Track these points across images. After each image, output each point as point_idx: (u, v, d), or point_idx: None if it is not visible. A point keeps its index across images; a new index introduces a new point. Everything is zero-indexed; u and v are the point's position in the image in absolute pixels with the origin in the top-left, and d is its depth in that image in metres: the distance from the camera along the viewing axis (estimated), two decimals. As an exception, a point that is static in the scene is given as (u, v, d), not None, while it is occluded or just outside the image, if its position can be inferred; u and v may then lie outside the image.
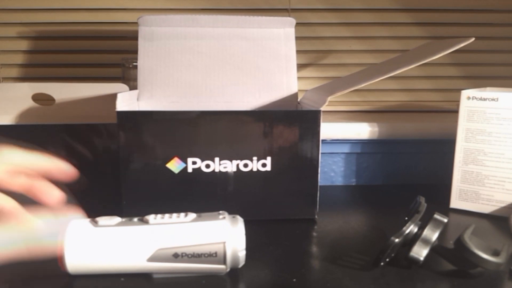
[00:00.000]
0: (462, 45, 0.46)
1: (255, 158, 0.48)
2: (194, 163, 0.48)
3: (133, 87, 0.61)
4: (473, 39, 0.47)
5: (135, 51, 0.70)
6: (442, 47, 0.47)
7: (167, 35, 0.56)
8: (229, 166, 0.48)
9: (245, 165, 0.49)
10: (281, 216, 0.50)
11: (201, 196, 0.49)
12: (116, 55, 0.69)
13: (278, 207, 0.50)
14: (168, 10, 0.69)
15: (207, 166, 0.48)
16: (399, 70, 0.46)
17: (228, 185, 0.49)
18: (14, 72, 0.71)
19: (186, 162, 0.48)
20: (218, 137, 0.48)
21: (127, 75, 0.62)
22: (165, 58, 0.56)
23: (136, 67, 0.61)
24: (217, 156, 0.48)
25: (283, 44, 0.58)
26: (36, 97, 0.53)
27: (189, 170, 0.48)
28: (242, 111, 0.48)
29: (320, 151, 0.49)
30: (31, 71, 0.71)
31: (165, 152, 0.47)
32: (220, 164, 0.48)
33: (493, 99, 0.51)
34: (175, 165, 0.48)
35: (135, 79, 0.61)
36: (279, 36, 0.58)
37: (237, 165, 0.48)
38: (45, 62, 0.71)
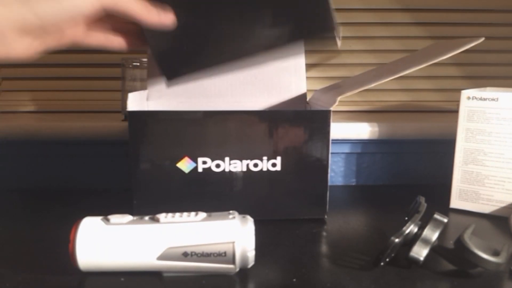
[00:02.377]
0: (472, 45, 0.46)
1: (265, 158, 0.48)
2: (204, 162, 0.48)
3: (132, 87, 0.61)
4: (482, 39, 0.46)
5: (135, 51, 0.70)
6: (451, 47, 0.47)
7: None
8: (239, 166, 0.48)
9: (255, 165, 0.49)
10: (291, 216, 0.50)
11: (211, 195, 0.49)
12: (116, 55, 0.69)
13: (288, 207, 0.50)
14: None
15: (217, 165, 0.48)
16: (408, 70, 0.46)
17: (238, 184, 0.49)
18: (14, 72, 0.71)
19: (196, 162, 0.48)
20: (227, 137, 0.48)
21: (127, 75, 0.62)
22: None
23: (136, 67, 0.61)
24: (227, 156, 0.48)
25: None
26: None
27: (200, 169, 0.48)
28: (251, 111, 0.48)
29: (330, 151, 0.49)
30: (31, 71, 0.71)
31: (175, 151, 0.47)
32: (230, 164, 0.48)
33: (493, 99, 0.51)
34: (185, 165, 0.48)
35: (135, 79, 0.61)
36: None
37: (247, 165, 0.48)
38: (45, 62, 0.71)
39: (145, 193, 0.48)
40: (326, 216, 0.51)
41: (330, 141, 0.49)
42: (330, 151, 0.49)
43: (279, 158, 0.49)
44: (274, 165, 0.49)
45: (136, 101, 0.49)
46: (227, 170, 0.48)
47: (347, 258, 0.42)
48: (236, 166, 0.48)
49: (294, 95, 0.57)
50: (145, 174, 0.48)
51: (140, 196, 0.48)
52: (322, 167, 0.49)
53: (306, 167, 0.49)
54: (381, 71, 0.55)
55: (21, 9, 0.36)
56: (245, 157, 0.48)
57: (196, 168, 0.48)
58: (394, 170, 0.70)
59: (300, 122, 0.48)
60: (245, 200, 0.49)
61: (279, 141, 0.48)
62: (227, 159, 0.48)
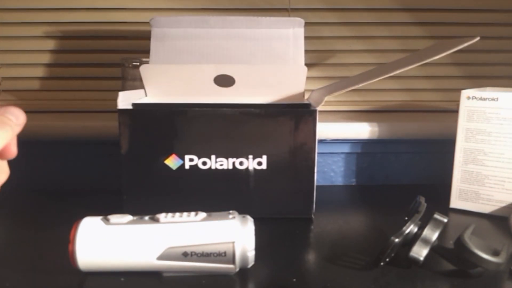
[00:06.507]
0: (466, 44, 0.46)
1: (250, 157, 0.49)
2: (191, 160, 0.49)
3: (132, 87, 0.61)
4: (478, 38, 0.47)
5: (135, 51, 0.70)
6: (446, 47, 0.47)
7: (178, 36, 0.57)
8: (225, 164, 0.49)
9: (241, 163, 0.49)
10: (277, 215, 0.51)
11: (198, 192, 0.50)
12: (116, 55, 0.69)
13: (274, 205, 0.50)
14: (167, 9, 0.69)
15: (204, 163, 0.49)
16: (399, 70, 0.46)
17: (225, 182, 0.49)
18: (14, 71, 0.71)
19: (183, 159, 0.49)
20: (214, 134, 0.48)
21: (127, 75, 0.62)
22: (176, 58, 0.57)
23: (136, 67, 0.61)
24: (213, 154, 0.49)
25: (292, 44, 0.58)
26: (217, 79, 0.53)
27: (187, 166, 0.49)
28: (239, 109, 0.48)
29: (316, 151, 0.49)
30: (31, 71, 0.71)
31: (163, 148, 0.48)
32: (216, 162, 0.49)
33: (493, 99, 0.51)
34: (173, 162, 0.49)
35: (134, 79, 0.61)
36: (287, 36, 0.58)
37: (233, 163, 0.49)
38: (45, 62, 0.71)
39: (135, 189, 0.49)
40: (313, 216, 0.51)
41: (317, 141, 0.49)
42: (317, 150, 0.49)
43: (264, 157, 0.49)
44: (260, 163, 0.49)
45: (127, 100, 0.50)
46: (213, 167, 0.49)
47: (347, 258, 0.42)
48: (222, 164, 0.49)
49: (293, 94, 0.57)
50: (134, 170, 0.49)
51: (129, 191, 0.49)
52: (308, 166, 0.49)
53: (292, 166, 0.49)
54: (374, 71, 0.55)
55: None
56: (230, 155, 0.49)
57: (183, 165, 0.49)
58: (395, 170, 0.69)
59: (286, 121, 0.48)
60: (231, 197, 0.50)
61: (264, 139, 0.49)
62: (213, 157, 0.49)
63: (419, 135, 0.66)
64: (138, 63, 0.61)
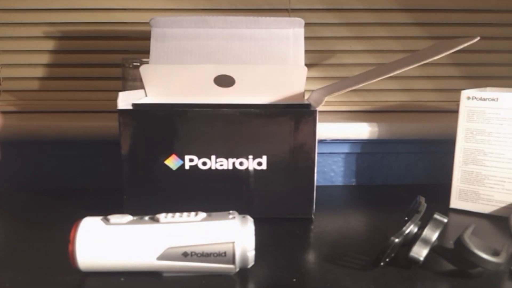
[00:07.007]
0: (466, 44, 0.46)
1: (250, 157, 0.49)
2: (191, 160, 0.49)
3: (132, 87, 0.61)
4: (478, 38, 0.47)
5: (135, 51, 0.70)
6: (446, 47, 0.48)
7: (178, 36, 0.58)
8: (225, 164, 0.49)
9: (241, 163, 0.49)
10: (277, 215, 0.51)
11: (198, 192, 0.50)
12: (116, 55, 0.69)
13: (274, 205, 0.50)
14: (167, 10, 0.69)
15: (204, 163, 0.49)
16: (399, 70, 0.46)
17: (225, 182, 0.49)
18: (15, 72, 0.71)
19: (183, 159, 0.49)
20: (214, 134, 0.48)
21: (127, 75, 0.62)
22: (176, 59, 0.57)
23: (136, 67, 0.61)
24: (213, 154, 0.49)
25: (292, 44, 0.58)
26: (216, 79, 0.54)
27: (187, 167, 0.49)
28: (239, 109, 0.48)
29: (316, 151, 0.49)
30: (32, 71, 0.71)
31: (163, 149, 0.48)
32: (216, 162, 0.49)
33: (493, 99, 0.51)
34: (173, 162, 0.49)
35: (135, 79, 0.61)
36: (287, 36, 0.58)
37: (233, 163, 0.49)
38: (45, 62, 0.71)
39: (135, 189, 0.49)
40: (313, 216, 0.51)
41: (317, 141, 0.49)
42: (317, 151, 0.49)
43: (264, 157, 0.49)
44: (260, 164, 0.49)
45: (126, 100, 0.50)
46: (213, 168, 0.49)
47: (347, 258, 0.42)
48: (222, 164, 0.49)
49: (293, 95, 0.57)
50: (134, 170, 0.49)
51: (130, 191, 0.49)
52: (308, 166, 0.49)
53: (292, 166, 0.49)
54: (374, 71, 0.55)
55: None
56: (231, 155, 0.49)
57: (183, 165, 0.49)
58: (394, 170, 0.70)
59: (286, 121, 0.48)
60: (231, 197, 0.50)
61: (264, 139, 0.49)
62: (213, 157, 0.49)
63: (419, 135, 0.66)
64: (138, 64, 0.61)
